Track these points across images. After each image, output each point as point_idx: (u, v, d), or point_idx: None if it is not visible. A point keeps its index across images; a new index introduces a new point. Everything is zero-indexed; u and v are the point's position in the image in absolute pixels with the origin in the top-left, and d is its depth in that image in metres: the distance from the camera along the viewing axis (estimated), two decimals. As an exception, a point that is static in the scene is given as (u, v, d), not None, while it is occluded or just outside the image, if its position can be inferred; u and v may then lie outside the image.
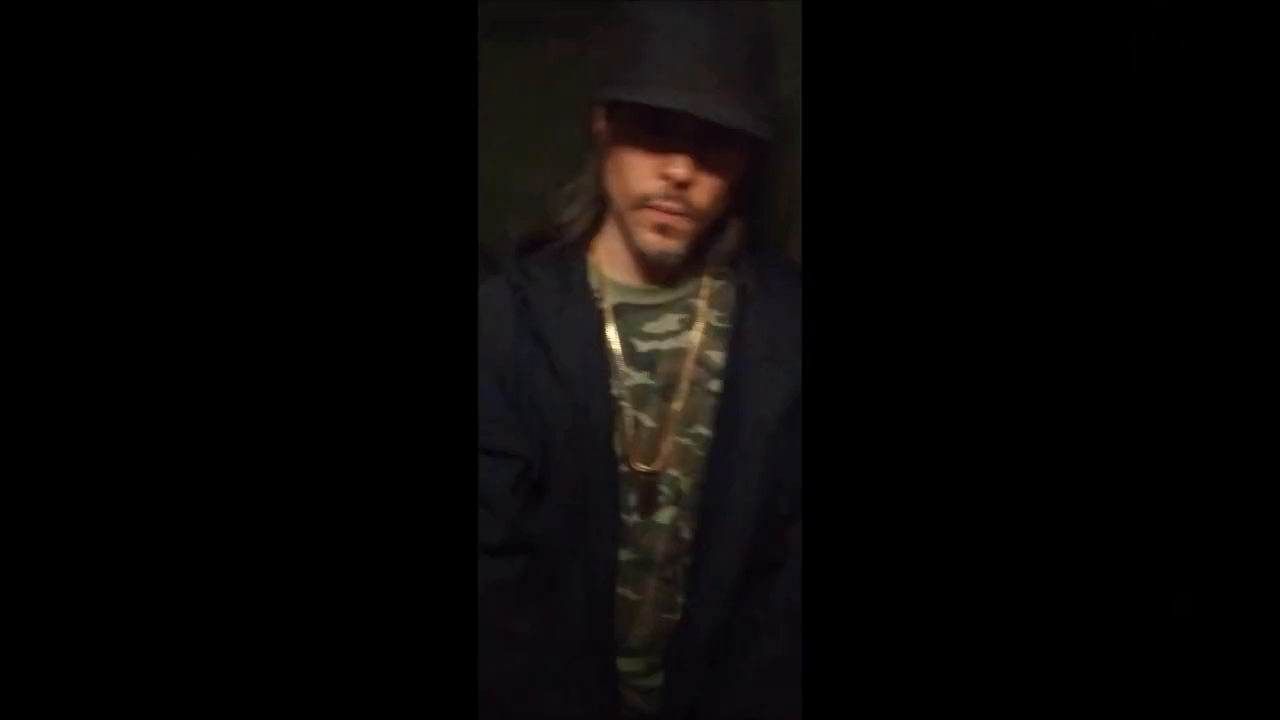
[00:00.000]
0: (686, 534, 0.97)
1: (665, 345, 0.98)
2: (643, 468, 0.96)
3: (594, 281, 1.00)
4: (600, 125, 0.94)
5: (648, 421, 0.97)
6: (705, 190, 0.92)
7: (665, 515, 0.97)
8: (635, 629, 0.98)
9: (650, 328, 0.98)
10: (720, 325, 0.99)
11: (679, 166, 0.89)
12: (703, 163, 0.90)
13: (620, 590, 0.97)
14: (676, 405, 0.96)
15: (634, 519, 0.97)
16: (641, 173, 0.91)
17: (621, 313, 0.99)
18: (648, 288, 0.99)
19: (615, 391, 0.96)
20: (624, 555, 0.97)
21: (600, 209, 0.99)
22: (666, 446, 0.96)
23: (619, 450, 0.96)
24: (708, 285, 0.99)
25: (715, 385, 0.97)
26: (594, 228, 1.01)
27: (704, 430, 0.97)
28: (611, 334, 0.98)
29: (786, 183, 1.09)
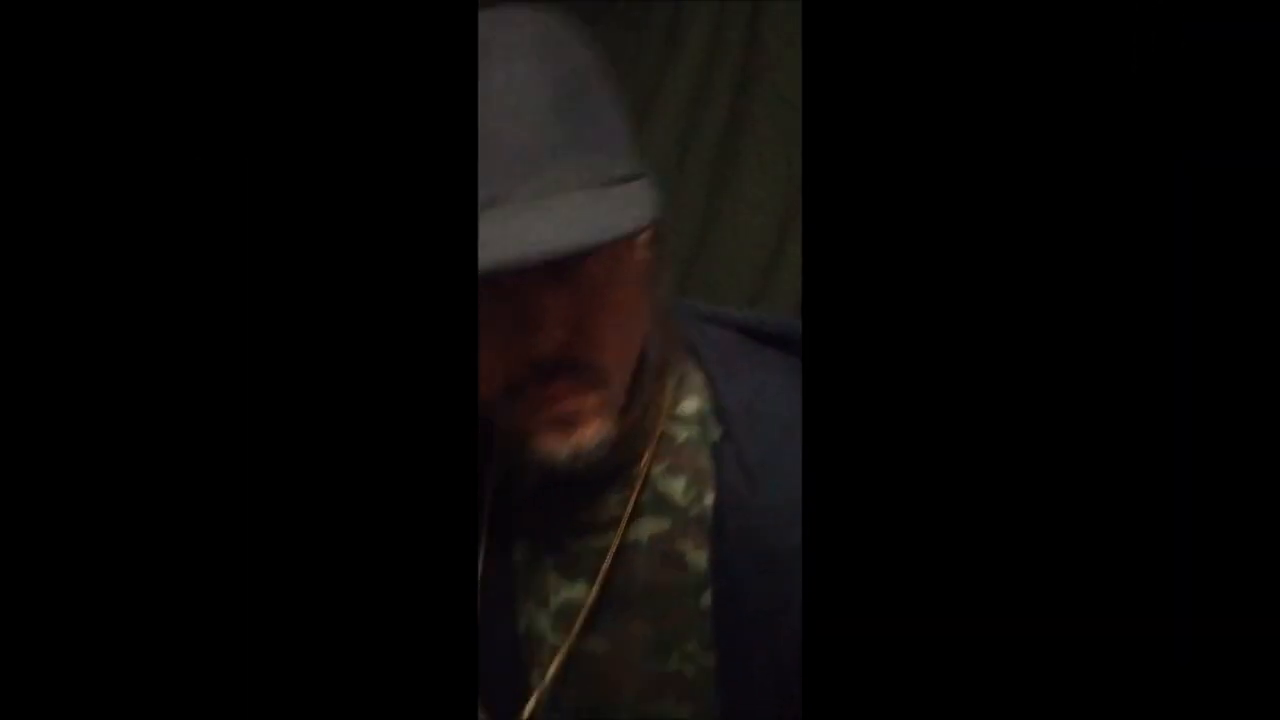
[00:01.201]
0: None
1: (601, 542, 0.68)
2: None
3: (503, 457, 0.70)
4: None
5: (600, 652, 0.67)
6: (599, 338, 0.63)
7: None
8: None
9: (581, 517, 0.69)
10: (690, 505, 0.68)
11: (544, 340, 0.61)
12: (579, 303, 0.62)
13: None
14: (641, 628, 0.67)
15: None
16: (502, 363, 0.63)
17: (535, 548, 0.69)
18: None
19: (521, 626, 0.68)
20: None
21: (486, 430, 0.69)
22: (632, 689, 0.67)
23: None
24: (656, 440, 0.68)
25: (704, 599, 0.67)
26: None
27: (695, 662, 0.67)
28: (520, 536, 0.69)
29: (687, 209, 0.93)
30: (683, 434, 0.69)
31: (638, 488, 0.67)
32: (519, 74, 0.62)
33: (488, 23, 0.65)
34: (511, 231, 0.58)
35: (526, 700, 0.65)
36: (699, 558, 0.67)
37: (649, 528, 0.67)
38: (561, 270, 0.60)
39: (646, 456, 0.68)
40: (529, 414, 0.64)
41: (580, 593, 0.67)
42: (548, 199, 0.59)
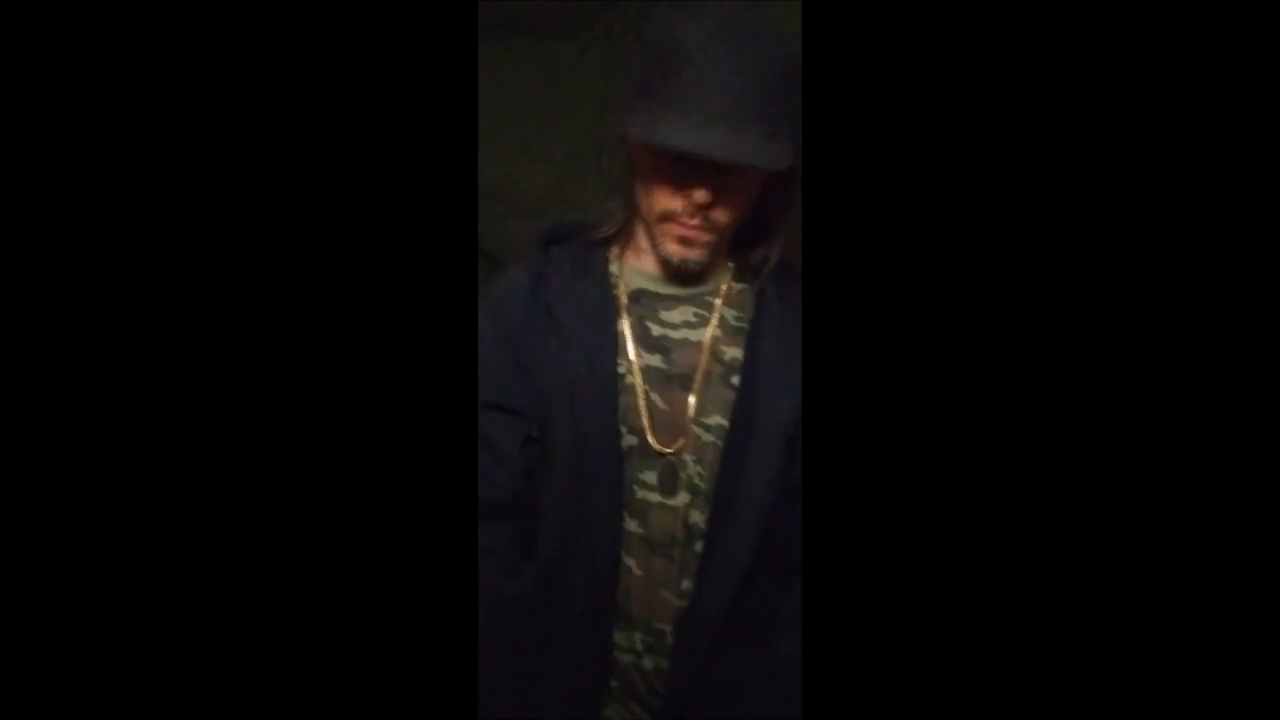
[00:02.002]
0: (697, 520, 0.99)
1: (678, 334, 1.02)
2: (661, 448, 0.99)
3: (614, 269, 1.05)
4: (632, 144, 0.99)
5: (662, 405, 1.00)
6: (726, 209, 0.97)
7: (679, 499, 0.99)
8: (634, 603, 1.00)
9: (665, 315, 1.02)
10: (737, 324, 1.03)
11: (699, 192, 0.94)
12: (723, 187, 0.95)
13: (626, 561, 0.99)
14: (692, 395, 1.00)
15: (654, 497, 0.99)
16: (666, 193, 0.96)
17: (637, 298, 1.03)
18: (667, 281, 1.04)
19: (622, 369, 1.00)
20: (633, 528, 0.99)
21: (631, 214, 1.04)
22: (684, 433, 1.00)
23: (624, 426, 0.99)
24: (727, 286, 1.04)
25: (735, 379, 1.01)
26: (624, 229, 1.05)
27: (721, 421, 1.00)
28: (624, 314, 1.02)
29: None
30: (740, 286, 1.06)
31: (710, 309, 1.04)
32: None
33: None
34: (718, 136, 0.91)
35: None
36: (733, 353, 1.02)
37: (709, 333, 1.03)
38: (728, 167, 0.94)
39: (721, 292, 1.04)
40: (670, 228, 0.99)
41: (656, 361, 1.02)
42: (748, 125, 0.92)
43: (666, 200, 0.96)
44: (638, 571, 0.99)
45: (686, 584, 0.99)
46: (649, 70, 0.93)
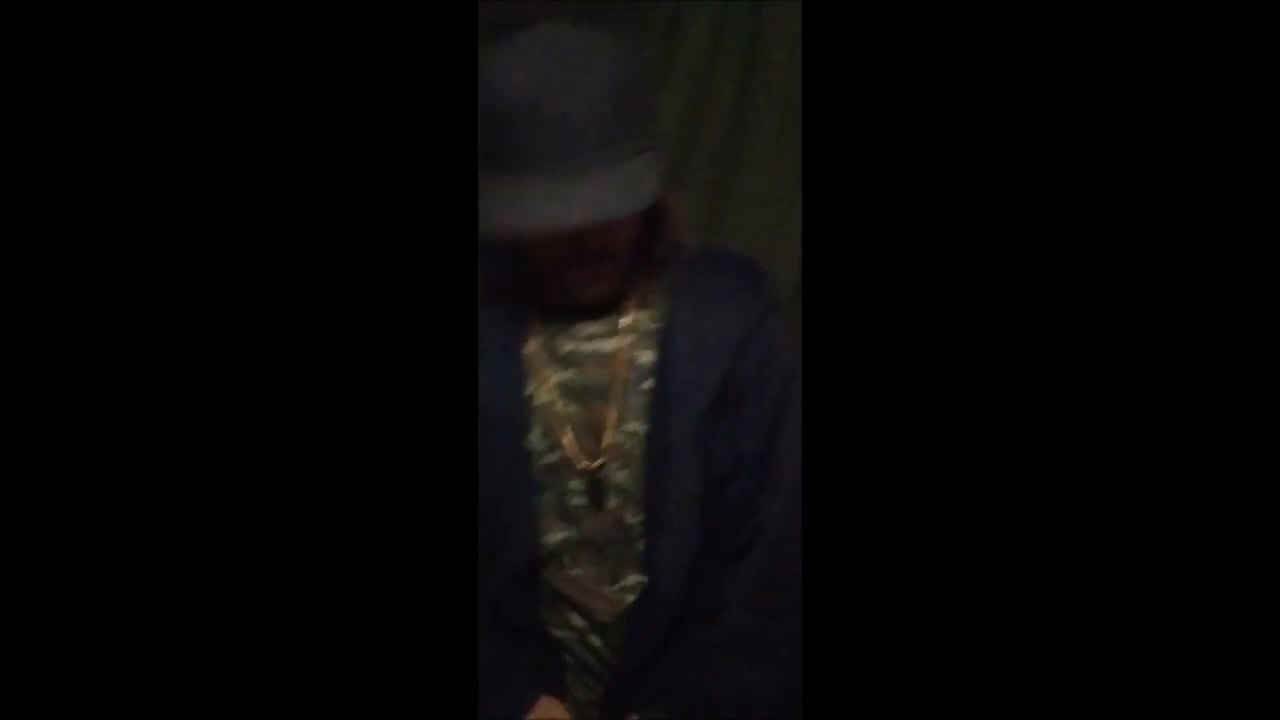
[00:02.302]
0: (633, 521, 1.01)
1: (588, 348, 1.02)
2: (586, 464, 1.00)
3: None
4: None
5: (580, 418, 1.01)
6: (621, 236, 0.95)
7: (611, 503, 1.01)
8: (575, 596, 1.02)
9: (575, 329, 1.02)
10: (651, 326, 1.02)
11: (590, 239, 0.92)
12: (606, 228, 0.92)
13: (567, 568, 1.02)
14: (611, 407, 1.00)
15: (585, 503, 1.01)
16: (553, 250, 0.94)
17: (547, 314, 1.02)
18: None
19: (529, 390, 1.01)
20: (566, 535, 1.01)
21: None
22: (606, 443, 1.00)
23: (545, 443, 1.01)
24: (638, 290, 1.03)
25: (647, 385, 1.01)
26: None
27: (638, 427, 1.00)
28: (533, 334, 1.02)
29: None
30: (651, 284, 1.04)
31: (621, 317, 1.02)
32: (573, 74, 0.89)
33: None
34: (581, 196, 0.88)
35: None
36: (647, 358, 1.02)
37: (621, 343, 1.02)
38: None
39: (632, 299, 1.02)
40: (570, 273, 0.95)
41: (568, 376, 1.01)
42: (607, 165, 0.89)
43: (558, 251, 0.93)
44: (574, 570, 1.02)
45: (633, 579, 1.01)
46: (492, 138, 0.89)
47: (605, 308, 1.02)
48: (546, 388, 1.01)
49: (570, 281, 0.97)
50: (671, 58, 1.75)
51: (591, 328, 1.02)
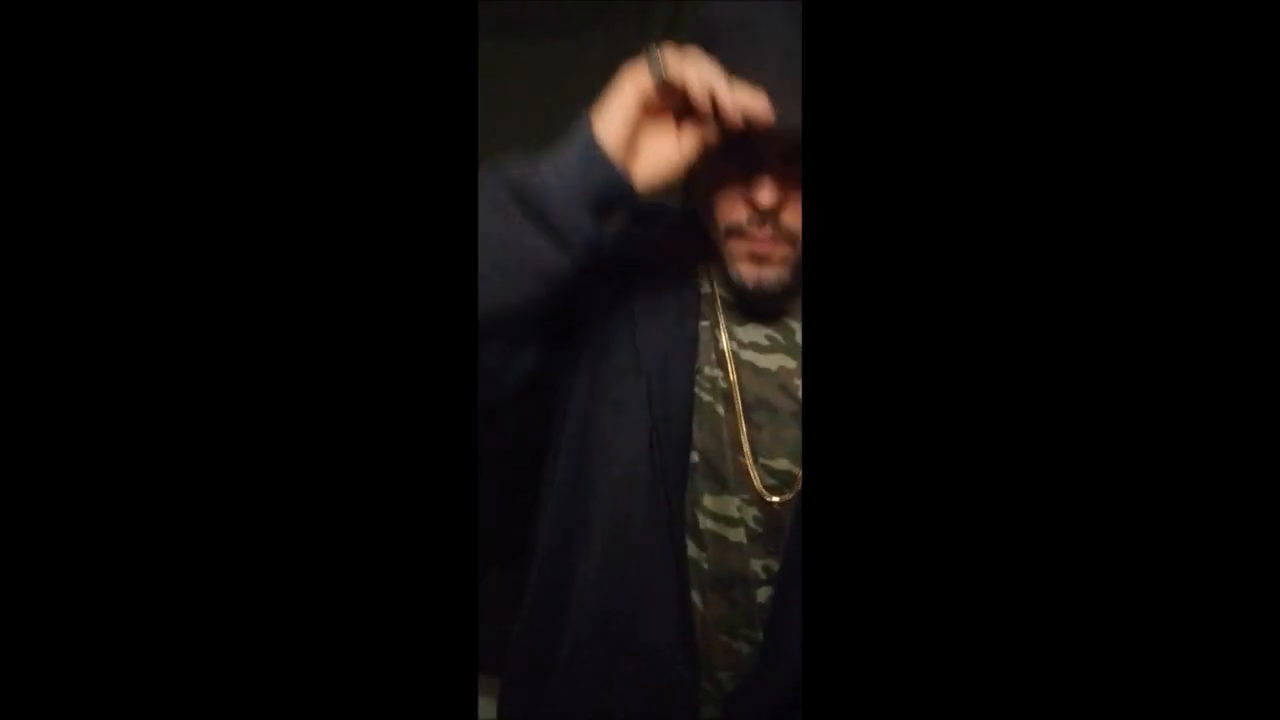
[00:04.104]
0: (762, 569, 0.90)
1: (745, 355, 0.90)
2: (771, 498, 0.87)
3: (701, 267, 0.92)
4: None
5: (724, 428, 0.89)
6: (793, 212, 0.83)
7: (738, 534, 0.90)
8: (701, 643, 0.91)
9: (737, 332, 0.90)
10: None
11: (765, 192, 0.81)
12: (791, 183, 0.82)
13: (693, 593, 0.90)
14: (758, 430, 0.88)
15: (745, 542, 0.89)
16: (728, 201, 0.84)
17: (724, 302, 0.91)
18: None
19: (695, 386, 0.89)
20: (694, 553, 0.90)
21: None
22: (742, 469, 0.88)
23: (700, 443, 0.89)
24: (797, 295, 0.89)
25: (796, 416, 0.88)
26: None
27: (791, 468, 0.88)
28: (704, 322, 0.90)
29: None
30: None
31: (786, 332, 0.89)
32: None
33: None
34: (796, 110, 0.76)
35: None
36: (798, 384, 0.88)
37: (777, 361, 0.89)
38: (791, 149, 0.79)
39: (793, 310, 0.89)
40: (738, 245, 0.84)
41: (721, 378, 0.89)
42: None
43: (729, 210, 0.83)
44: (699, 605, 0.91)
45: (759, 635, 0.89)
46: (713, 50, 0.79)
47: (775, 306, 0.89)
48: (705, 376, 0.88)
49: (739, 256, 0.84)
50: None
51: (750, 332, 0.89)
